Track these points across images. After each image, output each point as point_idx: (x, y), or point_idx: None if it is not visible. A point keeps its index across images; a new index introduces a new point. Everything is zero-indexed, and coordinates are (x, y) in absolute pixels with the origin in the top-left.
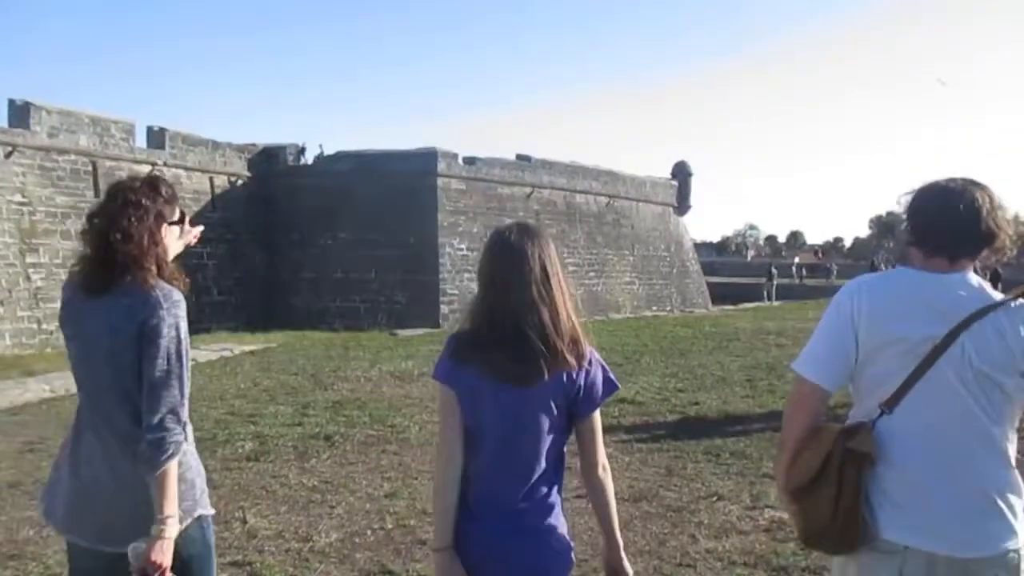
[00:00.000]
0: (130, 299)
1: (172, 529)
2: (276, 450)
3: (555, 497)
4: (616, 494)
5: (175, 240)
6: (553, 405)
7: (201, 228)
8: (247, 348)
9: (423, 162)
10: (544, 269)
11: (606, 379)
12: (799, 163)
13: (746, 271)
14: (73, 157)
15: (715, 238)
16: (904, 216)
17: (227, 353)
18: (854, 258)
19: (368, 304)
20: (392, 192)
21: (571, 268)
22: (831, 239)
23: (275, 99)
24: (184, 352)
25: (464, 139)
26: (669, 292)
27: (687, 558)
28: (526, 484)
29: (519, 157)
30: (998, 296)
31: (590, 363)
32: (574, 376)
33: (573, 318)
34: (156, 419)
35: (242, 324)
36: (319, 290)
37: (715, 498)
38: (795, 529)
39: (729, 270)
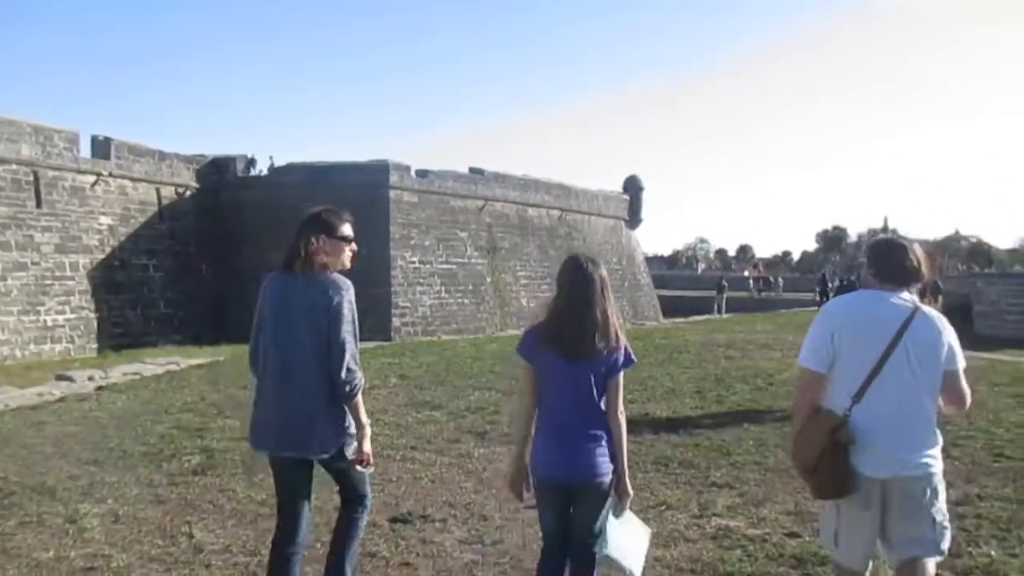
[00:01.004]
0: (323, 283)
1: (368, 431)
2: (224, 464)
3: (598, 426)
4: None
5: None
6: (596, 372)
7: (354, 246)
8: (195, 362)
9: (375, 174)
10: (603, 290)
11: (627, 357)
12: (748, 178)
13: (697, 284)
14: (14, 167)
15: (666, 251)
16: (866, 258)
17: (173, 367)
18: (801, 271)
19: None
20: (344, 204)
21: (523, 280)
22: (779, 252)
23: (225, 111)
24: (356, 320)
25: (417, 153)
26: (620, 305)
27: None
28: (582, 418)
29: (472, 170)
30: (919, 303)
31: (621, 346)
32: (611, 355)
33: (615, 321)
34: (348, 367)
35: (190, 338)
36: None
37: (663, 507)
38: (809, 489)
39: (680, 283)
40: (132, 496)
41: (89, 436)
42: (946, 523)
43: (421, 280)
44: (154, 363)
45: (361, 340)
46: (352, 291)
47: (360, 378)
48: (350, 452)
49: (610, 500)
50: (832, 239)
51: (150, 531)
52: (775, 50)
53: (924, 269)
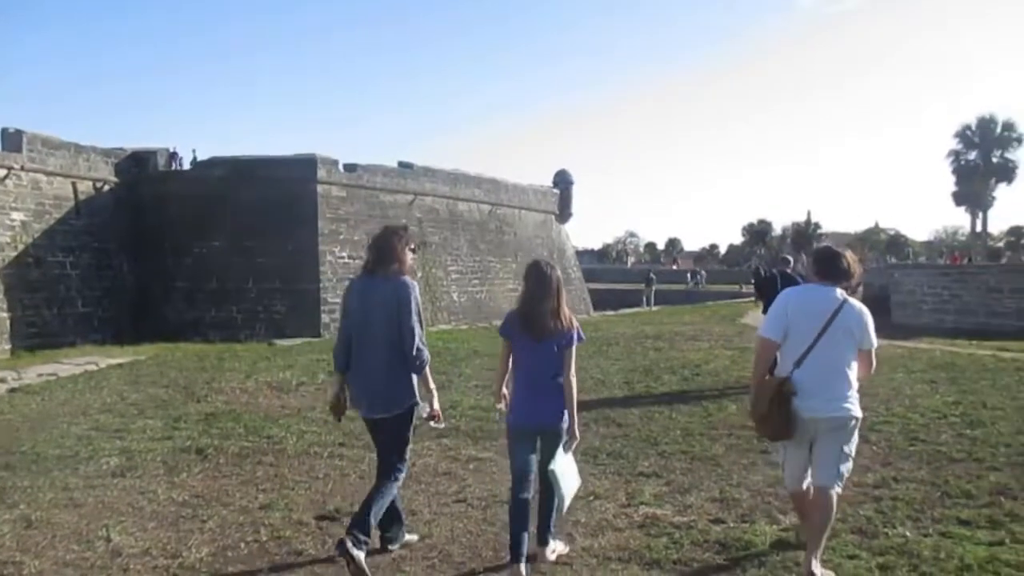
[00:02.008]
0: (394, 283)
1: (436, 396)
2: (144, 465)
3: (556, 387)
4: (495, 498)
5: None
6: (553, 347)
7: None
8: (114, 361)
9: (302, 168)
10: (558, 286)
11: (577, 336)
12: (676, 173)
13: (626, 278)
14: None
15: (596, 245)
16: (813, 259)
17: (92, 367)
18: (728, 264)
19: (245, 315)
20: (270, 199)
21: (454, 275)
22: (707, 246)
23: (145, 103)
24: (421, 313)
25: (345, 148)
26: None
27: (564, 557)
28: (545, 381)
29: (401, 164)
30: (847, 296)
31: (572, 328)
32: (564, 333)
33: (566, 309)
34: (418, 347)
35: (110, 337)
36: (193, 300)
37: (592, 498)
38: (761, 435)
39: (610, 277)
40: (46, 500)
41: (0, 440)
42: (851, 454)
43: (351, 275)
44: (71, 363)
45: (288, 337)
46: (417, 288)
47: (427, 354)
48: (424, 411)
49: (564, 437)
50: (758, 233)
51: (65, 536)
52: (706, 56)
53: (854, 270)
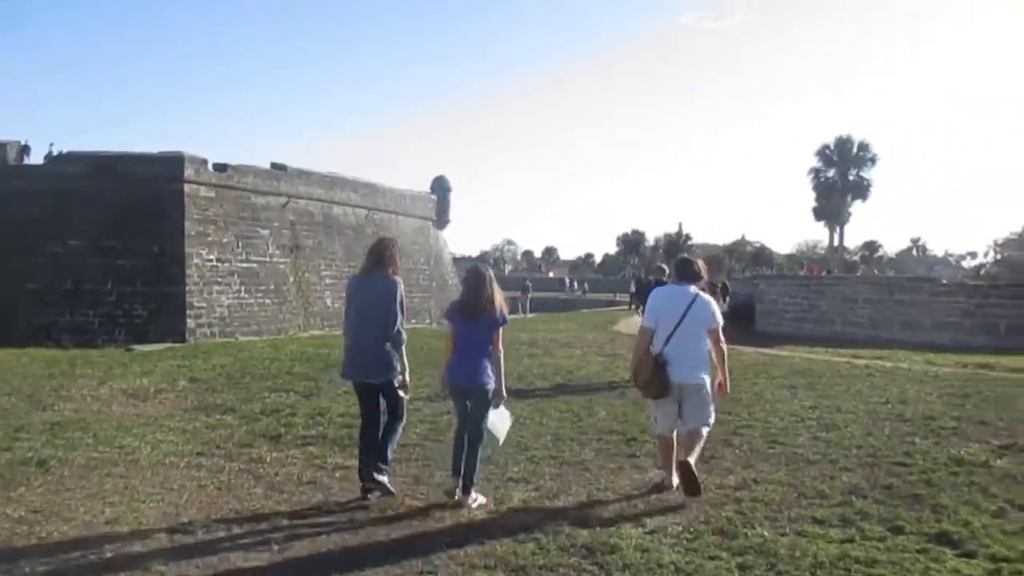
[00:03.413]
0: (387, 281)
1: (408, 369)
2: None
3: (487, 358)
4: (362, 506)
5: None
6: (486, 326)
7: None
8: None
9: (168, 166)
10: (491, 282)
11: (503, 318)
12: (553, 183)
13: (503, 285)
14: None
15: (474, 252)
16: (674, 265)
17: None
18: (603, 273)
19: (103, 318)
20: (133, 197)
21: (328, 280)
22: (583, 255)
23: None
24: (404, 303)
25: (218, 149)
26: (428, 305)
27: (429, 564)
28: (476, 352)
29: (274, 166)
30: (699, 292)
31: (501, 313)
32: (495, 316)
33: (499, 298)
34: (398, 329)
35: None
36: (45, 303)
37: (459, 504)
38: (643, 394)
39: None
40: None
41: None
42: (711, 410)
43: (219, 279)
44: None
45: (150, 342)
46: (402, 285)
47: (404, 336)
48: (397, 381)
49: (491, 397)
50: (632, 242)
51: None
52: (584, 65)
53: (703, 273)
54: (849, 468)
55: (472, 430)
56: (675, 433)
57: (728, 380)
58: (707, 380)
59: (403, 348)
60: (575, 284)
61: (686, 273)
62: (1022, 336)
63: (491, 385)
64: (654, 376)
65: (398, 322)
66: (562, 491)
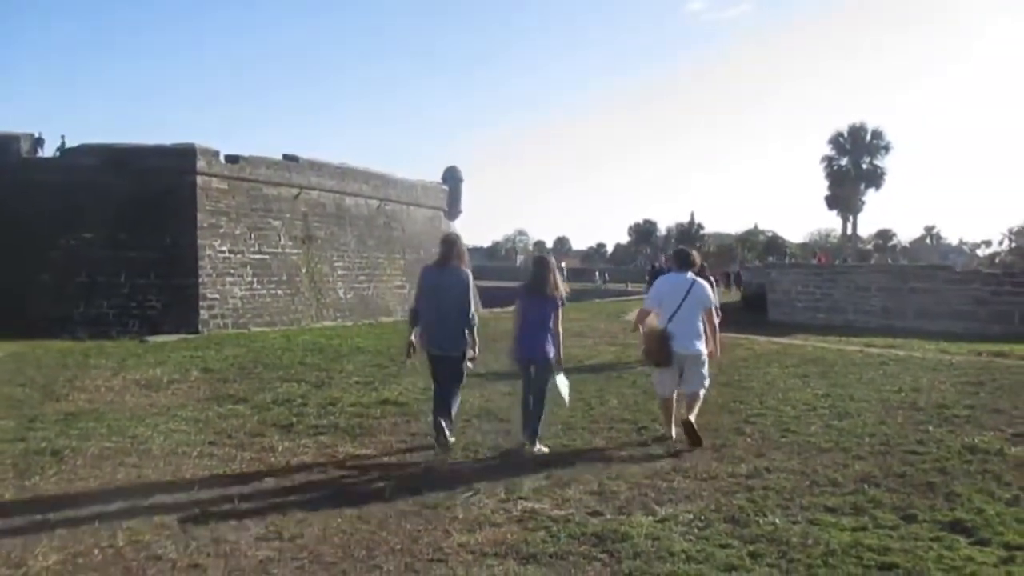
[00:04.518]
0: (460, 272)
1: (477, 344)
2: None
3: (549, 332)
4: (372, 495)
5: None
6: (549, 306)
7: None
8: None
9: (180, 159)
10: (554, 269)
11: (563, 300)
12: (566, 173)
13: (515, 275)
14: None
15: (485, 243)
16: (672, 255)
17: None
18: (615, 263)
19: (118, 310)
20: (146, 190)
21: (340, 271)
22: (595, 245)
23: (9, 87)
24: (475, 292)
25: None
26: None
27: (439, 553)
28: (540, 327)
29: (286, 157)
30: (695, 277)
31: (562, 296)
32: (556, 299)
33: (560, 283)
34: (472, 314)
35: None
36: (60, 296)
37: (471, 493)
38: (651, 363)
39: (499, 274)
40: None
41: None
42: (707, 375)
43: (232, 271)
44: None
45: (164, 334)
46: (471, 275)
47: (477, 319)
48: (469, 353)
49: (554, 365)
50: (643, 232)
51: None
52: (594, 56)
53: (697, 262)
54: (862, 456)
55: (536, 392)
56: (675, 395)
57: (719, 348)
58: (703, 351)
59: (475, 329)
60: (606, 276)
61: (684, 262)
62: None
63: (552, 355)
64: (661, 348)
65: (472, 307)
66: (573, 479)
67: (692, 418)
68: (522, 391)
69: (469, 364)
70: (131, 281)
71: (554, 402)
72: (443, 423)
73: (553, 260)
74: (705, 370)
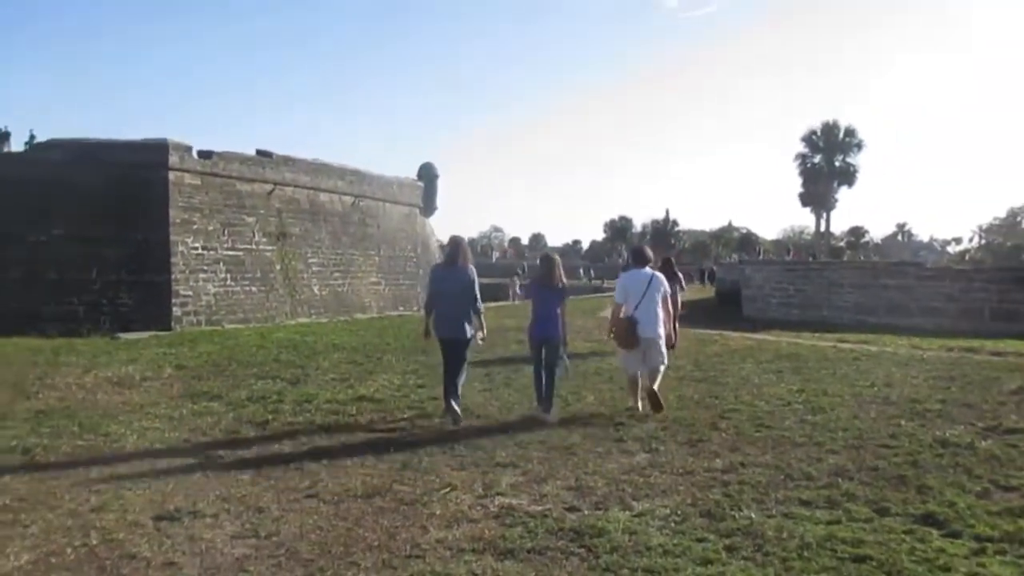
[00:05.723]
0: (466, 269)
1: (484, 326)
2: None
3: (557, 318)
4: (350, 492)
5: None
6: (557, 296)
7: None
8: None
9: (152, 154)
10: (559, 265)
11: (567, 292)
12: (541, 169)
13: (491, 271)
14: None
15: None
16: (630, 252)
17: None
18: (591, 259)
19: (88, 307)
20: (117, 185)
21: (315, 268)
22: (570, 241)
23: None
24: (478, 284)
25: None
26: (415, 293)
27: (416, 549)
28: (549, 314)
29: (260, 152)
30: (654, 272)
31: (566, 288)
32: (562, 290)
33: (564, 276)
34: (479, 304)
35: None
36: (28, 293)
37: (448, 489)
38: (619, 345)
39: (475, 271)
40: None
41: None
42: (665, 352)
43: (205, 267)
44: None
45: (136, 331)
46: (475, 272)
47: (482, 307)
48: (478, 336)
49: (561, 344)
50: (619, 229)
51: None
52: (567, 52)
53: (651, 258)
54: (835, 450)
55: (548, 368)
56: (639, 373)
57: (676, 331)
58: (662, 334)
59: (482, 315)
60: (591, 272)
61: (641, 258)
62: (1006, 321)
63: (560, 336)
64: (628, 333)
65: (478, 299)
66: (550, 475)
67: (656, 387)
68: (534, 367)
69: (480, 342)
70: (102, 278)
71: (565, 376)
72: (452, 402)
73: (558, 258)
74: (664, 349)
